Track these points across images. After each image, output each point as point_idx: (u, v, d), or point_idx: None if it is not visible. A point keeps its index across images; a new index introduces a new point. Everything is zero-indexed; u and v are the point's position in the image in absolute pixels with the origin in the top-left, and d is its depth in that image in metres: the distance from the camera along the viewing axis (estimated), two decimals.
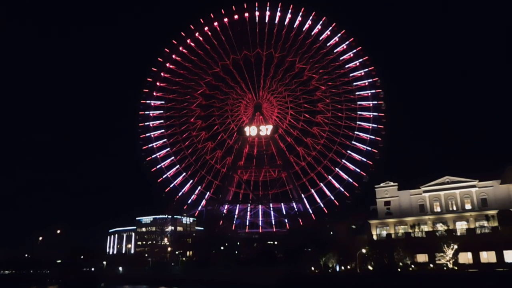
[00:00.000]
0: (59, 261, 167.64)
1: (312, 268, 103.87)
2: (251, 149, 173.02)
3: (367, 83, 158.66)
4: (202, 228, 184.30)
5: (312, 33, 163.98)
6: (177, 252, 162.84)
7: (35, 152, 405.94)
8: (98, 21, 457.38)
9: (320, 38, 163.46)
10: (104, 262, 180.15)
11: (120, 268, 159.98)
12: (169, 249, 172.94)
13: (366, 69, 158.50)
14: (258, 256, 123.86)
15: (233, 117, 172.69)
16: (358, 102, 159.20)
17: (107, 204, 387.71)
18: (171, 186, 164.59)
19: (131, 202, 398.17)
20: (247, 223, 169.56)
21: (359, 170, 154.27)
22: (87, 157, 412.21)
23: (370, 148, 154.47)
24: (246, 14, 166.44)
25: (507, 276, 77.45)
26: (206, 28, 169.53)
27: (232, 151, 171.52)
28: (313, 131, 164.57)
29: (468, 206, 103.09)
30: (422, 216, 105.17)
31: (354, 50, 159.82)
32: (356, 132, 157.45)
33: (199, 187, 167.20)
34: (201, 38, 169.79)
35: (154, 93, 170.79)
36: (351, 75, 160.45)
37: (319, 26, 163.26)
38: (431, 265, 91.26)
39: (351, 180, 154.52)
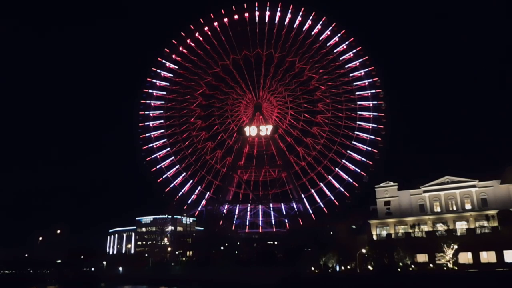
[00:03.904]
0: (59, 261, 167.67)
1: (312, 268, 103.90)
2: (251, 149, 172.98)
3: (367, 83, 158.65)
4: (202, 228, 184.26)
5: (312, 33, 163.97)
6: (177, 252, 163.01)
7: (35, 152, 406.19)
8: (98, 21, 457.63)
9: (320, 38, 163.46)
10: (104, 262, 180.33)
11: (120, 268, 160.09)
12: (169, 249, 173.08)
13: (366, 69, 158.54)
14: (258, 256, 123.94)
15: (233, 117, 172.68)
16: (358, 102, 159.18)
17: (107, 204, 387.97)
18: (171, 186, 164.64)
19: (131, 202, 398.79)
20: (247, 223, 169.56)
21: (359, 170, 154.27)
22: (87, 157, 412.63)
23: (370, 148, 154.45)
24: (246, 14, 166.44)
25: (507, 276, 77.39)
26: (206, 28, 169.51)
27: (232, 151, 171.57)
28: (313, 131, 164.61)
29: (468, 206, 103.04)
30: (422, 216, 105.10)
31: (354, 50, 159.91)
32: (356, 132, 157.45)
33: (199, 187, 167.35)
34: (201, 38, 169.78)
35: (154, 93, 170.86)
36: (351, 75, 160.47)
37: (319, 26, 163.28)
38: (431, 265, 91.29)
39: (351, 180, 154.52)
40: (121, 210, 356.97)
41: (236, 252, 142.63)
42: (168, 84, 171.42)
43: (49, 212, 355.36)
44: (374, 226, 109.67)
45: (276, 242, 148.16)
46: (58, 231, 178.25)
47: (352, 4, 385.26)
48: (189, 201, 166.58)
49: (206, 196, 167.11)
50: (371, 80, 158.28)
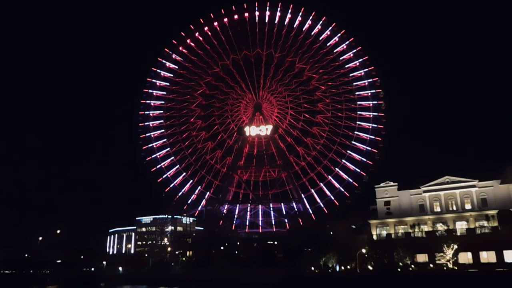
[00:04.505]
0: (59, 261, 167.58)
1: (312, 268, 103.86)
2: (251, 149, 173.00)
3: (367, 83, 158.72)
4: (202, 228, 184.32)
5: (312, 33, 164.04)
6: (177, 252, 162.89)
7: (35, 152, 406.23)
8: (97, 21, 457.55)
9: (320, 38, 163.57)
10: (104, 262, 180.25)
11: (120, 268, 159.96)
12: (169, 249, 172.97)
13: (366, 69, 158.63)
14: (258, 256, 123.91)
15: (233, 117, 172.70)
16: (358, 102, 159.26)
17: (107, 204, 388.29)
18: (171, 186, 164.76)
19: (131, 202, 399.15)
20: (247, 223, 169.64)
21: (359, 170, 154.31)
22: (87, 157, 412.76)
23: (370, 148, 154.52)
24: (246, 14, 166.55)
25: (507, 276, 77.36)
26: (206, 28, 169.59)
27: (232, 151, 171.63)
28: (313, 131, 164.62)
29: (468, 206, 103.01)
30: (422, 216, 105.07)
31: (354, 50, 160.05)
32: (356, 132, 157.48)
33: (199, 187, 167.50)
34: (201, 38, 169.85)
35: (154, 93, 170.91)
36: (351, 75, 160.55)
37: (319, 26, 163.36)
38: (431, 265, 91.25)
39: (351, 180, 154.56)
40: (121, 210, 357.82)
41: (236, 252, 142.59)
42: (168, 84, 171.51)
43: (49, 212, 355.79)
44: (374, 226, 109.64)
45: (276, 242, 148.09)
46: (58, 231, 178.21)
47: (352, 4, 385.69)
48: (189, 201, 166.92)
49: (206, 196, 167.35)
50: (371, 80, 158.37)
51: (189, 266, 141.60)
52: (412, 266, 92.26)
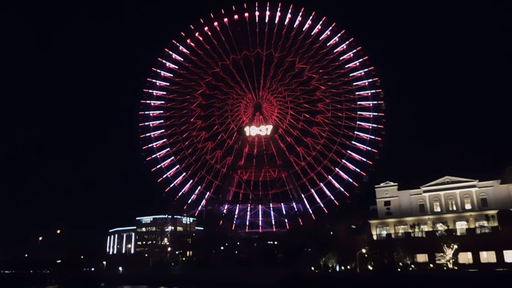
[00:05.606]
0: (59, 261, 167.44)
1: (312, 268, 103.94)
2: (251, 149, 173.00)
3: (367, 83, 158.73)
4: (202, 228, 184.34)
5: (312, 33, 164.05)
6: (177, 252, 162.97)
7: (35, 152, 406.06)
8: (97, 21, 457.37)
9: (320, 38, 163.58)
10: (104, 262, 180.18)
11: (120, 268, 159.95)
12: (169, 249, 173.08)
13: (366, 69, 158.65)
14: (258, 256, 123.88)
15: (233, 117, 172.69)
16: (358, 102, 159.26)
17: (107, 204, 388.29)
18: (171, 186, 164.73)
19: (131, 202, 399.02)
20: (247, 223, 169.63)
21: (359, 170, 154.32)
22: (87, 157, 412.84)
23: (370, 148, 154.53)
24: (246, 14, 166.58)
25: (507, 276, 77.39)
26: (206, 28, 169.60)
27: (232, 151, 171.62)
28: (313, 131, 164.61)
29: (468, 206, 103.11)
30: (422, 216, 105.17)
31: (354, 50, 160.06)
32: (356, 132, 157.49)
33: (199, 187, 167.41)
34: (201, 38, 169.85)
35: (154, 93, 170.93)
36: (351, 75, 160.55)
37: (319, 26, 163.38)
38: (431, 265, 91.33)
39: (351, 180, 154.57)
40: (121, 210, 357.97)
41: (236, 252, 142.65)
42: (168, 84, 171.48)
43: (49, 212, 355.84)
44: (374, 226, 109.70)
45: (276, 242, 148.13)
46: (58, 231, 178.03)
47: (352, 4, 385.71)
48: (189, 201, 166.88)
49: (206, 196, 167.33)
50: (371, 80, 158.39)
51: (189, 266, 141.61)
52: (412, 266, 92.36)
